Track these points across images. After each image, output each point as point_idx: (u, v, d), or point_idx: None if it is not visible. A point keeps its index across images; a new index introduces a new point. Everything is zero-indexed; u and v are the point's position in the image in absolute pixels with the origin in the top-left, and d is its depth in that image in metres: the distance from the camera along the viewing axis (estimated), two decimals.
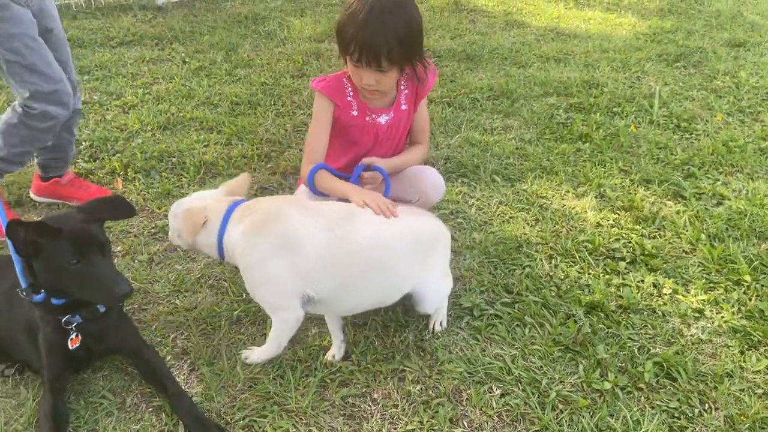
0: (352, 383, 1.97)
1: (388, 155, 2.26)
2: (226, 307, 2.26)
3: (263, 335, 2.12)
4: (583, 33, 5.18)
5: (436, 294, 2.06)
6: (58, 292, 1.79)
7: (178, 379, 1.94)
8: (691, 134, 3.51)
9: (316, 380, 1.96)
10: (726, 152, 3.26)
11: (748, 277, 2.38)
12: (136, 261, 2.49)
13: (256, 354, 2.03)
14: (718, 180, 3.05)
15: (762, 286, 2.35)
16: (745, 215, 2.76)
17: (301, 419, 1.85)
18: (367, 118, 2.20)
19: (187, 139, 3.38)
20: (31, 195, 2.89)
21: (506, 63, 4.53)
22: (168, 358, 2.05)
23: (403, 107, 2.23)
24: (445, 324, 2.17)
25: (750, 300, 2.29)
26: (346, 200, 2.04)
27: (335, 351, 2.06)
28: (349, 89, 2.19)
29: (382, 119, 2.20)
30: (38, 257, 1.75)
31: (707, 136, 3.48)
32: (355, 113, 2.20)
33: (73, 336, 1.84)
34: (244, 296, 2.28)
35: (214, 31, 4.99)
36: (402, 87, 2.22)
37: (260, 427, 1.82)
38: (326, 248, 1.83)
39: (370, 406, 1.90)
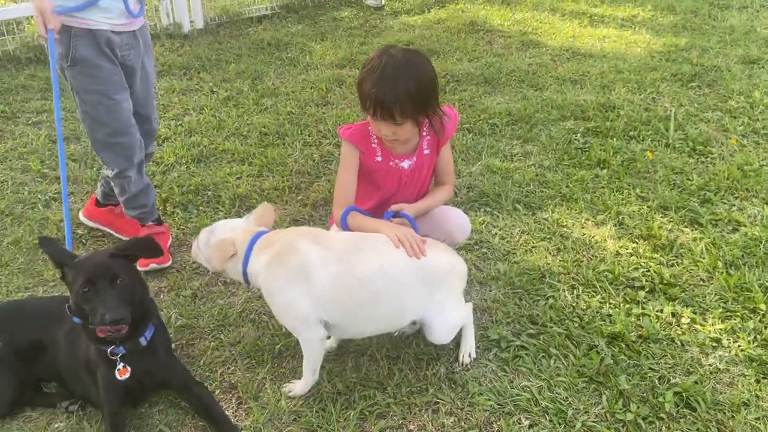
0: (389, 415, 2.11)
1: (412, 197, 2.40)
2: (267, 341, 2.41)
3: None
4: (598, 52, 5.28)
5: (444, 324, 2.17)
6: (81, 315, 1.96)
7: (227, 413, 2.10)
8: (706, 158, 3.61)
9: (356, 413, 2.10)
10: (741, 176, 3.36)
11: (763, 306, 2.48)
12: (181, 296, 2.65)
13: (298, 386, 2.18)
14: (734, 205, 3.16)
15: None
16: (761, 242, 2.86)
17: None
18: (390, 164, 2.34)
19: (221, 171, 3.55)
20: (80, 216, 3.07)
21: (523, 86, 4.66)
22: (217, 392, 2.20)
23: (426, 152, 2.37)
24: (473, 355, 2.30)
25: (765, 328, 2.40)
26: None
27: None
28: (374, 137, 2.33)
29: (405, 164, 2.35)
30: (65, 282, 1.98)
31: (722, 159, 3.58)
32: (379, 159, 2.34)
33: (120, 367, 2.01)
34: (283, 330, 2.43)
35: (239, 59, 5.17)
36: (424, 134, 2.36)
37: None
38: (334, 279, 2.04)
39: None
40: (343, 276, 2.04)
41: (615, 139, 3.81)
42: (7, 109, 4.25)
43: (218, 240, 2.16)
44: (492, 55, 5.27)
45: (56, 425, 2.09)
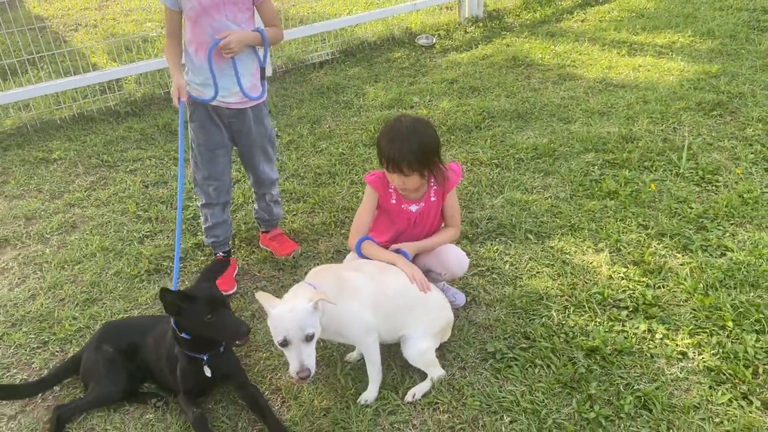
0: (398, 412, 2.64)
1: (421, 235, 2.96)
2: None
3: (335, 374, 2.85)
4: (631, 82, 5.63)
5: (415, 348, 2.67)
6: (198, 335, 2.62)
7: (273, 409, 2.70)
8: (712, 186, 3.94)
9: (372, 410, 2.65)
10: (740, 204, 3.68)
11: (731, 323, 2.85)
12: (242, 317, 3.30)
13: (371, 393, 2.72)
14: (727, 231, 3.49)
15: (742, 330, 2.82)
16: (743, 266, 3.20)
17: None
18: (402, 206, 2.92)
19: None
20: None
21: (553, 119, 5.08)
22: (266, 393, 2.81)
23: (432, 199, 2.92)
24: (418, 396, 2.69)
25: (729, 343, 2.77)
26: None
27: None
28: (391, 183, 2.91)
29: (413, 208, 2.91)
30: (182, 315, 2.59)
31: (726, 187, 3.90)
32: (393, 201, 2.93)
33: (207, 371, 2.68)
34: (320, 344, 3.02)
35: (301, 105, 5.86)
36: (432, 184, 2.91)
37: None
38: (372, 294, 2.65)
39: (410, 430, 2.57)
40: (377, 293, 2.66)
41: (628, 170, 4.19)
42: (110, 158, 5.10)
43: (316, 292, 2.50)
44: (529, 89, 5.72)
45: (147, 416, 2.76)
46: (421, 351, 2.69)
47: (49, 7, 8.28)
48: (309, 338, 2.39)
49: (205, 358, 2.67)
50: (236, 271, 3.65)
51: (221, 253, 3.65)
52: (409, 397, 2.70)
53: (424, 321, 2.71)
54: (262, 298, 2.51)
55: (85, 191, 4.64)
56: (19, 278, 3.71)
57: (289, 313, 2.39)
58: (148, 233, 4.09)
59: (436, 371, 2.74)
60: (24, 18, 7.48)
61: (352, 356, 2.94)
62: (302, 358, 2.36)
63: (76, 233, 4.14)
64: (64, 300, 3.50)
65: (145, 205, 4.41)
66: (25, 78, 6.07)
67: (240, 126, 3.36)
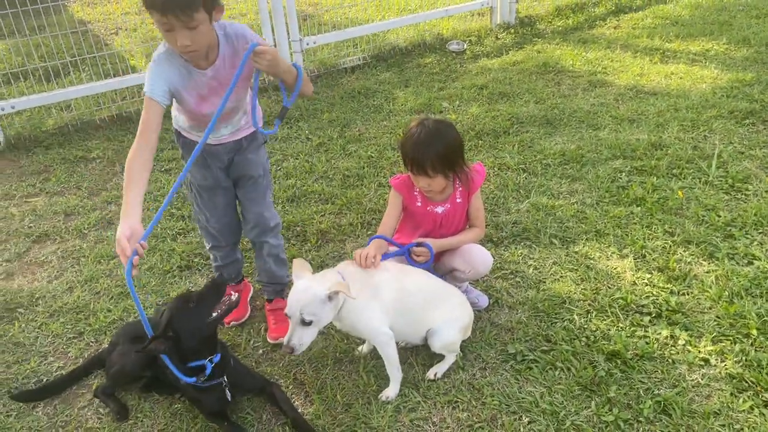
0: (418, 409, 2.69)
1: (447, 236, 3.00)
2: (331, 349, 3.07)
3: (357, 371, 2.91)
4: (662, 90, 5.59)
5: (441, 339, 2.77)
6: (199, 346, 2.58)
7: (296, 403, 2.77)
8: (742, 194, 3.90)
9: (392, 407, 2.71)
10: None
11: (755, 331, 2.84)
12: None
13: (391, 390, 2.78)
14: (755, 240, 3.47)
15: (766, 338, 2.81)
16: None
17: None
18: (428, 208, 2.97)
19: (308, 210, 4.29)
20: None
21: (582, 126, 5.08)
22: (290, 387, 2.89)
23: (458, 200, 2.97)
24: (439, 375, 2.82)
25: (753, 351, 2.76)
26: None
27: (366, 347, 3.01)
28: (417, 186, 2.96)
29: (439, 209, 2.96)
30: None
31: (756, 196, 3.86)
32: (419, 204, 2.98)
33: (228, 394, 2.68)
34: (345, 341, 3.09)
35: (332, 108, 5.96)
36: (457, 185, 2.96)
37: None
38: (394, 292, 2.71)
39: (430, 427, 2.62)
40: (400, 291, 2.73)
41: (656, 177, 4.17)
42: None
43: (338, 283, 2.56)
44: (558, 96, 5.72)
45: (175, 406, 2.85)
46: (448, 343, 2.79)
47: (92, 12, 8.55)
48: (305, 323, 2.46)
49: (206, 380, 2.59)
50: (251, 293, 3.54)
51: (233, 284, 3.46)
52: (430, 375, 2.82)
53: (450, 316, 2.78)
54: (297, 265, 2.60)
55: (122, 189, 4.77)
56: (57, 271, 3.86)
57: (300, 293, 2.47)
58: (180, 231, 4.21)
59: (455, 354, 2.88)
60: (67, 22, 7.75)
61: (362, 349, 3.02)
62: (291, 336, 2.47)
63: (112, 229, 4.28)
64: (100, 293, 3.63)
65: (178, 204, 4.53)
66: (67, 80, 6.29)
67: (240, 158, 3.00)
